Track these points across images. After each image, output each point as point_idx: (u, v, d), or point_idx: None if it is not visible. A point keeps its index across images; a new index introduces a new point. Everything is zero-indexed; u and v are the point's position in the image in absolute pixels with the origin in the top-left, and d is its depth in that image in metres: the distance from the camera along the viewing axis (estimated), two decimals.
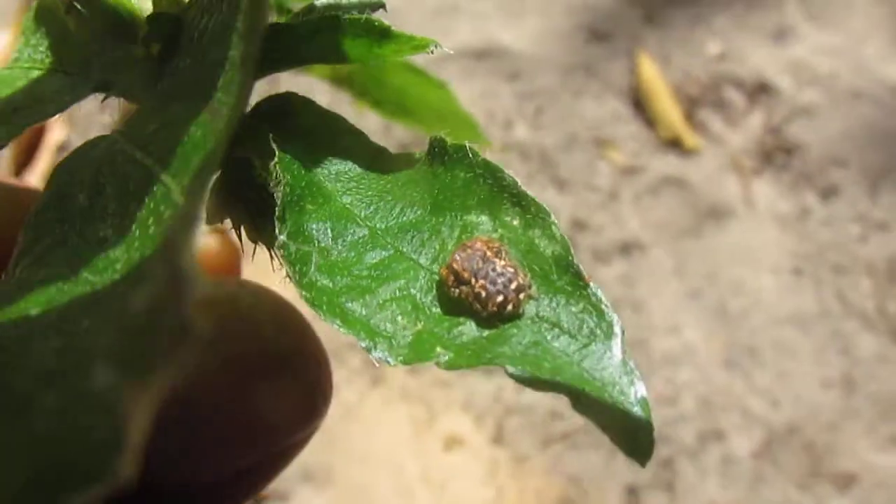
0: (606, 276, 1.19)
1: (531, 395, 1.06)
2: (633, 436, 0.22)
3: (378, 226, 0.26)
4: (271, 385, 0.25)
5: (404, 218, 0.26)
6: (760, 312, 1.16)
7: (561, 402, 1.08)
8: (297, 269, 0.25)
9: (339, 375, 1.06)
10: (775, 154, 1.33)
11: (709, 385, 1.09)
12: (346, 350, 1.09)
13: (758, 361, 1.12)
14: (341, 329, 0.24)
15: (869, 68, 1.43)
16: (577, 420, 1.04)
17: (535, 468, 1.02)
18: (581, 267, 0.25)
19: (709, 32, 1.48)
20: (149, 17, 0.27)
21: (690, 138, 1.32)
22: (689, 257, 1.22)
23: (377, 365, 0.24)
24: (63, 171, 0.25)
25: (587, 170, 1.30)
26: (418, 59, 0.43)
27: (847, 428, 1.06)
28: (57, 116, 0.26)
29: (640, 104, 1.37)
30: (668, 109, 1.34)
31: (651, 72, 1.38)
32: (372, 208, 0.26)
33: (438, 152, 0.27)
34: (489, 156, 0.26)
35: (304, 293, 0.24)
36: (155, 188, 0.21)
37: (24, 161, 1.12)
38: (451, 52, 0.28)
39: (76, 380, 0.15)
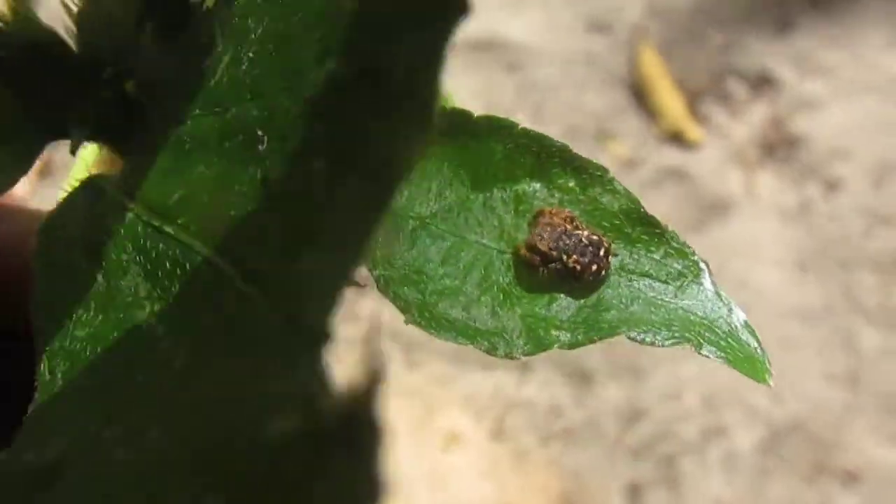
0: None
1: (531, 390, 1.05)
2: (751, 360, 0.23)
3: (422, 212, 0.24)
4: None
5: (444, 200, 0.24)
6: (763, 307, 1.15)
7: (561, 398, 1.07)
8: (400, 300, 0.23)
9: (334, 373, 1.04)
10: (779, 147, 1.32)
11: (712, 381, 1.08)
12: (342, 347, 1.08)
13: None
14: (465, 343, 0.23)
15: (873, 60, 1.41)
16: (577, 415, 1.03)
17: (536, 465, 1.01)
18: (654, 216, 0.25)
19: (712, 23, 1.46)
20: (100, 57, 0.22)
21: (693, 131, 1.31)
22: None
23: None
24: (55, 241, 0.21)
25: None
26: None
27: (852, 424, 1.05)
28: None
29: (641, 96, 1.35)
30: (671, 101, 1.32)
31: (653, 63, 1.36)
32: (405, 195, 0.24)
33: (461, 125, 0.25)
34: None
35: (420, 322, 0.23)
36: (203, 269, 0.18)
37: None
38: None
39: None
